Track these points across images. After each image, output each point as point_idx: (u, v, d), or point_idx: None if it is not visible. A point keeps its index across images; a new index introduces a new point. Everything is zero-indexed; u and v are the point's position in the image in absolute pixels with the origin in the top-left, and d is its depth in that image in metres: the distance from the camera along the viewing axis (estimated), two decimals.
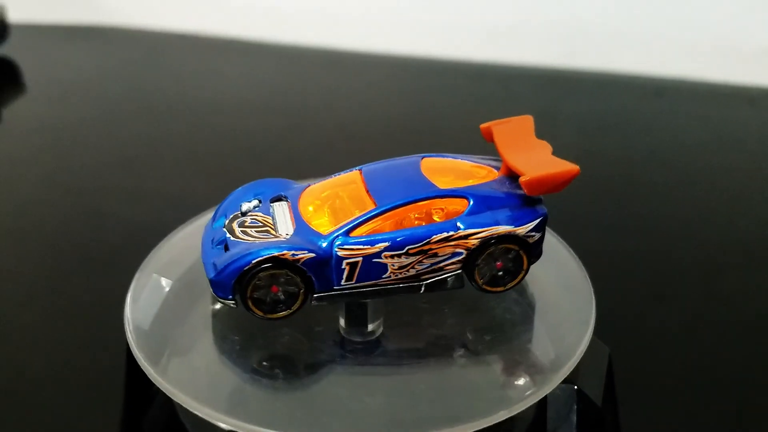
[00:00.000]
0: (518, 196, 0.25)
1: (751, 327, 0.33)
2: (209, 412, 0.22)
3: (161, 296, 0.27)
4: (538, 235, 0.25)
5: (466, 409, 0.22)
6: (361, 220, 0.24)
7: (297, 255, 0.23)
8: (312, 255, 0.23)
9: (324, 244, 0.24)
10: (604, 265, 0.37)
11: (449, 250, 0.24)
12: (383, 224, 0.24)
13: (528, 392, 0.23)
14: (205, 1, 0.74)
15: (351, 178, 0.26)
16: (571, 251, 0.30)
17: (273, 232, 0.25)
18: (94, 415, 0.28)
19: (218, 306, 0.26)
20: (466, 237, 0.24)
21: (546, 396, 0.23)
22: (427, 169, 0.26)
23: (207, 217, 0.30)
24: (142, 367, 0.23)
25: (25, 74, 0.63)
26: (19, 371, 0.29)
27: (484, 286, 0.25)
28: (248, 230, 0.25)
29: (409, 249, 0.24)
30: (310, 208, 0.26)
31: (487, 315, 0.27)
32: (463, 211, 0.25)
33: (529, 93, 0.64)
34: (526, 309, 0.27)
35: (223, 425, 0.22)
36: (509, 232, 0.24)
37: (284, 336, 0.25)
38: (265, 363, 0.24)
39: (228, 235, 0.25)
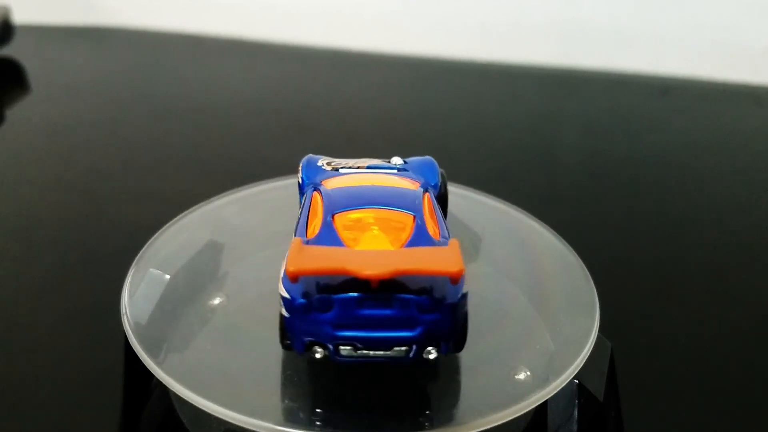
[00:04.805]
0: None
1: (754, 326, 0.33)
2: (208, 404, 0.22)
3: (159, 290, 0.26)
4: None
5: (468, 411, 0.22)
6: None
7: (300, 174, 0.28)
8: (302, 180, 0.28)
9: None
10: (607, 262, 0.37)
11: None
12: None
13: (532, 394, 0.22)
14: (206, 3, 0.74)
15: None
16: (571, 248, 0.30)
17: (336, 168, 0.29)
18: (94, 409, 0.27)
19: (217, 300, 0.26)
20: None
21: None
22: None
23: (198, 212, 0.32)
24: (141, 359, 0.23)
25: (29, 75, 0.63)
26: (18, 365, 0.29)
27: None
28: (346, 163, 0.29)
29: None
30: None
31: (489, 314, 0.27)
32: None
33: (534, 93, 0.64)
34: (529, 308, 0.27)
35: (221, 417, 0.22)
36: None
37: None
38: (263, 356, 0.24)
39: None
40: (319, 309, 0.21)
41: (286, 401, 0.22)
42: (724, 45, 0.64)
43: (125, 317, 0.25)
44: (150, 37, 0.73)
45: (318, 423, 0.22)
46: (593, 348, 0.24)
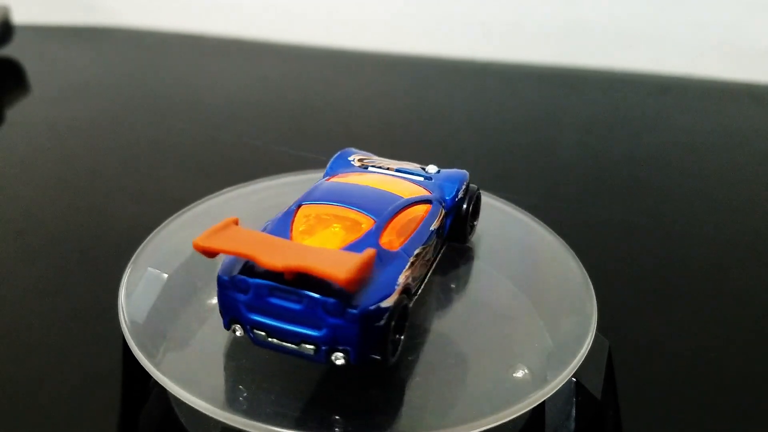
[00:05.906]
0: None
1: (753, 325, 0.33)
2: (204, 405, 0.22)
3: (156, 289, 0.26)
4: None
5: (468, 410, 0.22)
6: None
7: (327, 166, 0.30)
8: (326, 172, 0.30)
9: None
10: (606, 261, 0.37)
11: None
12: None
13: (530, 392, 0.22)
14: (206, 3, 0.74)
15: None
16: (569, 247, 0.30)
17: (365, 165, 0.30)
18: (93, 408, 0.27)
19: (215, 300, 0.26)
20: None
21: None
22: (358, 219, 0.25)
23: (195, 210, 0.32)
24: (138, 360, 0.23)
25: (28, 75, 0.63)
26: (17, 365, 0.29)
27: None
28: (378, 162, 0.30)
29: None
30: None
31: (488, 313, 0.26)
32: None
33: (534, 91, 0.64)
34: (527, 306, 0.27)
35: (218, 418, 0.22)
36: None
37: None
38: (260, 356, 0.24)
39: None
40: (237, 289, 0.22)
41: (284, 402, 0.22)
42: (725, 45, 0.64)
43: (122, 317, 0.25)
44: (150, 37, 0.74)
45: (315, 424, 0.22)
46: (591, 346, 0.24)
